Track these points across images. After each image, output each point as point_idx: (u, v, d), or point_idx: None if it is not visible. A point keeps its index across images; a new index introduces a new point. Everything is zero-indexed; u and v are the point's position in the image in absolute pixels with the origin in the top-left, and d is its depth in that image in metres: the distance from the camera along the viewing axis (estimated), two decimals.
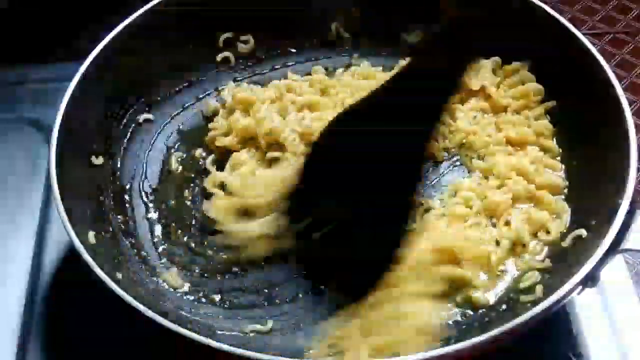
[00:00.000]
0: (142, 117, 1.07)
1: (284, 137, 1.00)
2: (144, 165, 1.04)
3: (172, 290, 0.93)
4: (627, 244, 0.82)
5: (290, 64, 1.15)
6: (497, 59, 1.08)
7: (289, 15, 1.14)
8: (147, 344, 0.85)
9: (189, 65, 1.12)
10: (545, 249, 0.93)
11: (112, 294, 0.79)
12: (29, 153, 1.09)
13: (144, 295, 0.88)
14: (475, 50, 0.92)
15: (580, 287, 0.82)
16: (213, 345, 0.76)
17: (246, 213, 0.97)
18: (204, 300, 0.92)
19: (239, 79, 1.14)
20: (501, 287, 0.91)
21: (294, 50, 1.16)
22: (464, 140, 1.03)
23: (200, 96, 1.12)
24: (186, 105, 1.11)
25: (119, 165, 1.02)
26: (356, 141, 0.88)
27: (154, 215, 1.00)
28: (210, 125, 1.07)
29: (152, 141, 1.07)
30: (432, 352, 0.76)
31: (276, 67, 1.15)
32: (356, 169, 0.87)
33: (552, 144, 1.02)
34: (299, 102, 1.05)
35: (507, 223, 0.94)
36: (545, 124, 1.02)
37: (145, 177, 1.03)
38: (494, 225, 0.95)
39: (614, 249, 0.82)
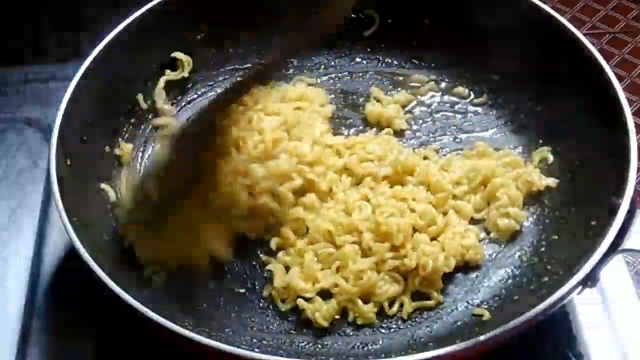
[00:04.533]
0: (142, 116, 1.07)
1: None
2: (145, 164, 1.04)
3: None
4: (627, 244, 0.82)
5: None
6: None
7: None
8: (147, 343, 0.85)
9: (189, 64, 1.12)
10: None
11: (112, 294, 0.79)
12: (29, 153, 1.09)
13: (144, 296, 0.88)
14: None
15: (580, 287, 0.82)
16: (213, 345, 0.76)
17: None
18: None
19: (239, 79, 1.14)
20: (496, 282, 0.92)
21: (302, 52, 1.16)
22: None
23: (200, 94, 1.12)
24: (186, 103, 1.11)
25: (119, 165, 1.02)
26: None
27: None
28: None
29: (153, 140, 1.07)
30: (432, 352, 0.77)
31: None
32: None
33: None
34: None
35: None
36: None
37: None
38: None
39: (614, 249, 0.82)
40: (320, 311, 0.89)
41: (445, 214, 0.97)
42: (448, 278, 0.93)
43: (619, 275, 0.96)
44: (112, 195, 0.98)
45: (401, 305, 0.91)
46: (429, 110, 1.11)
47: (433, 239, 0.94)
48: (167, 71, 1.09)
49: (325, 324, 0.88)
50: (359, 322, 0.90)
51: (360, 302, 0.90)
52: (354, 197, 0.96)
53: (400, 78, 1.14)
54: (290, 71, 1.14)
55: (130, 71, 1.05)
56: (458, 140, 1.07)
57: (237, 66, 1.15)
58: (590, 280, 0.82)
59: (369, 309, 0.90)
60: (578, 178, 0.97)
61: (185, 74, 1.10)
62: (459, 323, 0.90)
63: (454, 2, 1.11)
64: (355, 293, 0.90)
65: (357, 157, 1.01)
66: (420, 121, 1.09)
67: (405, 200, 0.96)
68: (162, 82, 1.08)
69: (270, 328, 0.90)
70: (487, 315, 0.88)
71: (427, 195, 0.98)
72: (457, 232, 0.94)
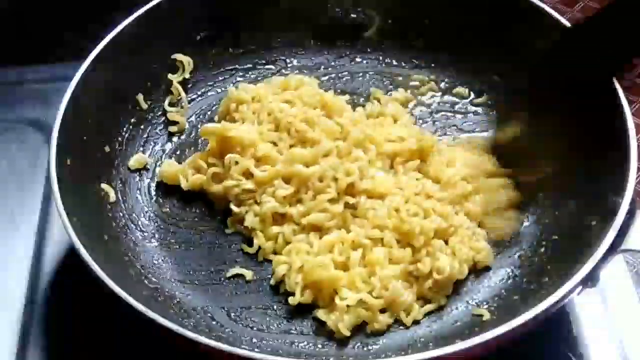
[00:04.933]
0: (142, 116, 1.07)
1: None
2: (145, 163, 1.04)
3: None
4: (627, 244, 0.82)
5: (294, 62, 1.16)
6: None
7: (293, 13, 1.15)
8: (147, 344, 0.85)
9: (189, 64, 1.12)
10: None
11: (112, 294, 0.79)
12: (29, 153, 1.09)
13: (144, 296, 0.88)
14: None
15: (580, 287, 0.82)
16: (213, 345, 0.76)
17: None
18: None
19: (239, 79, 1.14)
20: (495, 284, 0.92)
21: (302, 51, 1.17)
22: None
23: (200, 94, 1.12)
24: (186, 103, 1.11)
25: (119, 165, 1.02)
26: None
27: (156, 212, 1.00)
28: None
29: (153, 139, 1.07)
30: (432, 352, 0.76)
31: (279, 66, 1.16)
32: None
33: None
34: None
35: None
36: None
37: (146, 176, 1.04)
38: None
39: (614, 249, 0.82)
40: (343, 322, 0.88)
41: (456, 214, 0.96)
42: None
43: (619, 275, 0.96)
44: (112, 195, 0.98)
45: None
46: (429, 110, 1.11)
47: (445, 239, 0.94)
48: (169, 75, 1.09)
49: (348, 333, 0.88)
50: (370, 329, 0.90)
51: (378, 313, 0.89)
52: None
53: (400, 78, 1.14)
54: (290, 71, 1.15)
55: (130, 71, 1.05)
56: (458, 140, 1.07)
57: (237, 66, 1.15)
58: (590, 280, 0.82)
59: (385, 320, 0.89)
60: (578, 178, 0.97)
61: (187, 75, 1.10)
62: (459, 323, 0.90)
63: (454, 2, 1.11)
64: (379, 306, 0.89)
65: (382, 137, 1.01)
66: (420, 121, 1.09)
67: (430, 198, 0.95)
68: (175, 83, 1.09)
69: (270, 328, 0.90)
70: (487, 315, 0.88)
71: (446, 194, 0.96)
72: (466, 234, 0.94)
